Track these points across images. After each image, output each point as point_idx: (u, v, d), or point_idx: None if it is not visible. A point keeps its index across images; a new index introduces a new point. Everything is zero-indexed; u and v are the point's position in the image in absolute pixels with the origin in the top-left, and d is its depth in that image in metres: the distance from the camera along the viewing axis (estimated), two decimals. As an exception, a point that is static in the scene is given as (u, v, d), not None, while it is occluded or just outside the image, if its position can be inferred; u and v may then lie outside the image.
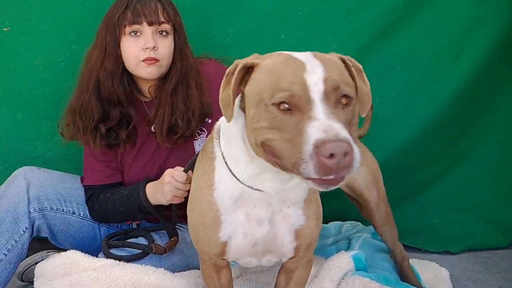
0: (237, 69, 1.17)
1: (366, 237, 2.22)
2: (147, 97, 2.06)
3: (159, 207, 1.94)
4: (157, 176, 1.99)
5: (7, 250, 1.82)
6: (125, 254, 1.88)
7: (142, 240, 1.96)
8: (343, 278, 1.78)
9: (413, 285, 1.91)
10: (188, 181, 1.77)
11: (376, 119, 2.38)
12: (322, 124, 1.00)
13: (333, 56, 1.18)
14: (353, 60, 1.22)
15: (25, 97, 2.35)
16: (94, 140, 1.96)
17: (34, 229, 1.91)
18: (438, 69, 2.45)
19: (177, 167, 1.84)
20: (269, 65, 1.14)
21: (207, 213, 1.35)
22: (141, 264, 1.79)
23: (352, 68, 1.17)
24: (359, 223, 2.51)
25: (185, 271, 1.91)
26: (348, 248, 2.15)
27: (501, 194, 2.59)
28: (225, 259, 1.43)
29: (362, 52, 2.41)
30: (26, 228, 1.86)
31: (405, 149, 2.52)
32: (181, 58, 1.98)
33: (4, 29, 2.29)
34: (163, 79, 1.97)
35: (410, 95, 2.48)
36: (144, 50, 1.88)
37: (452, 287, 2.04)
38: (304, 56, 1.13)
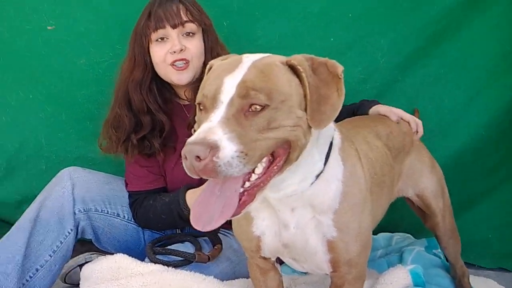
0: (206, 70, 1.27)
1: (419, 251, 2.13)
2: (186, 100, 2.03)
3: None
4: (200, 181, 1.94)
5: (53, 252, 1.81)
6: (172, 260, 1.82)
7: (188, 245, 1.91)
8: (400, 294, 1.69)
9: (472, 303, 1.82)
10: None
11: (428, 126, 2.29)
12: (202, 127, 1.05)
13: (280, 62, 1.15)
14: (329, 63, 1.16)
15: (69, 97, 2.35)
16: (126, 151, 1.97)
17: (79, 230, 1.90)
18: (494, 76, 2.33)
19: None
20: (214, 67, 1.23)
21: None
22: (190, 271, 1.73)
23: (303, 74, 1.12)
24: (410, 235, 2.42)
25: (233, 279, 1.85)
26: (400, 261, 2.06)
27: (559, 210, 2.44)
28: (265, 258, 1.44)
29: (415, 57, 2.34)
30: (71, 229, 1.85)
31: (459, 159, 2.41)
32: (213, 58, 1.94)
33: (49, 27, 2.29)
34: (198, 81, 1.93)
35: (464, 103, 2.37)
36: (172, 54, 1.87)
37: (511, 307, 1.92)
38: (248, 60, 1.15)
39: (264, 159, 1.10)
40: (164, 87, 2.01)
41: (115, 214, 1.99)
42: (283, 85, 1.10)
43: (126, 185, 2.06)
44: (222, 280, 1.75)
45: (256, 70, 1.11)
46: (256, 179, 1.11)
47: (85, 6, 2.25)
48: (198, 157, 1.00)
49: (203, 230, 1.08)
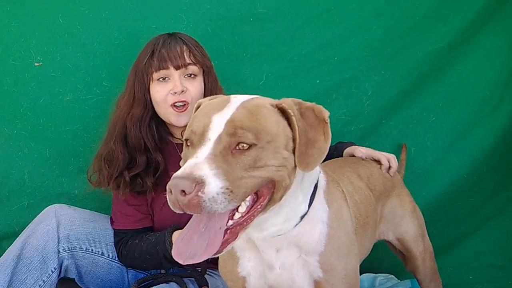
0: (194, 109, 1.30)
1: (403, 292, 2.13)
2: (179, 139, 2.03)
3: None
4: (187, 223, 1.93)
5: None
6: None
7: (174, 286, 1.88)
8: (387, 337, 1.69)
9: None
10: None
11: (411, 168, 2.35)
12: (188, 162, 1.06)
13: (269, 104, 1.18)
14: (316, 108, 1.21)
15: (54, 133, 2.32)
16: (118, 188, 1.94)
17: (62, 269, 1.87)
18: (476, 120, 2.42)
19: None
20: (202, 105, 1.25)
21: None
22: (176, 313, 1.69)
23: (293, 118, 1.16)
24: (393, 276, 2.43)
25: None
26: (384, 303, 2.06)
27: (540, 252, 2.49)
28: None
29: (398, 100, 2.41)
30: (54, 268, 1.82)
31: (441, 201, 2.46)
32: None
33: (36, 64, 2.28)
34: None
35: (447, 145, 2.44)
36: (173, 94, 1.87)
37: None
38: (237, 100, 1.18)
39: (248, 198, 1.11)
40: (160, 125, 2.00)
41: (100, 253, 1.96)
42: (271, 126, 1.13)
43: (112, 222, 2.03)
44: (209, 322, 1.72)
45: (245, 110, 1.13)
46: (239, 218, 1.12)
47: (73, 43, 2.25)
48: (183, 191, 1.00)
49: (184, 263, 1.08)
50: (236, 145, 1.09)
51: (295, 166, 1.17)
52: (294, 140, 1.16)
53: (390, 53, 2.35)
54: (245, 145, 1.08)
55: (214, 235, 1.09)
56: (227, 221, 1.11)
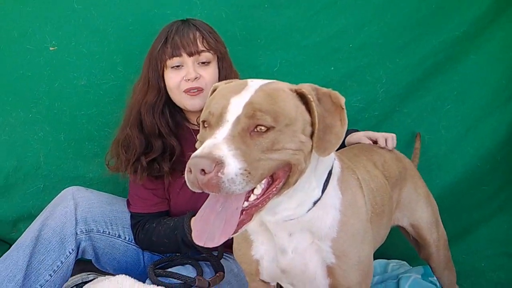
0: (210, 92, 1.31)
1: (416, 278, 2.15)
2: (196, 125, 2.04)
3: None
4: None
5: (53, 271, 1.79)
6: (173, 283, 1.80)
7: (190, 268, 1.89)
8: (401, 321, 1.70)
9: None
10: None
11: (425, 156, 2.35)
12: (207, 142, 1.06)
13: (288, 89, 1.19)
14: (333, 94, 1.21)
15: (68, 117, 2.34)
16: (135, 173, 1.96)
17: (80, 250, 1.89)
18: (490, 109, 2.41)
19: None
20: (219, 88, 1.25)
21: None
22: (193, 294, 1.71)
23: (312, 103, 1.16)
24: (405, 262, 2.44)
25: (234, 303, 1.84)
26: (397, 288, 2.07)
27: (551, 241, 2.50)
28: (265, 282, 1.45)
29: (413, 88, 2.40)
30: (72, 250, 1.84)
31: (454, 189, 2.46)
32: None
33: (51, 48, 2.29)
34: None
35: (461, 134, 2.43)
36: (186, 81, 1.88)
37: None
38: (255, 84, 1.19)
39: (264, 181, 1.12)
40: (176, 111, 2.01)
41: (116, 235, 1.98)
42: (289, 110, 1.14)
43: (129, 205, 2.05)
44: (223, 304, 1.74)
45: (264, 94, 1.14)
46: (254, 200, 1.13)
47: (88, 28, 2.26)
48: (203, 170, 1.01)
49: (205, 246, 1.09)
50: (254, 127, 1.09)
51: (311, 151, 1.17)
52: (312, 125, 1.17)
53: (405, 41, 2.34)
54: (263, 127, 1.09)
55: (230, 215, 1.10)
56: (243, 203, 1.12)
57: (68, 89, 2.31)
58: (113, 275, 1.84)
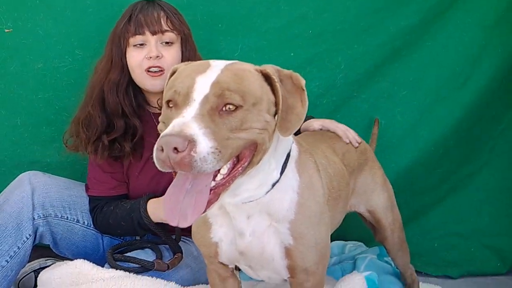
0: (169, 74, 1.29)
1: (372, 258, 2.21)
2: (156, 108, 2.03)
3: (161, 224, 1.90)
4: (164, 191, 1.94)
5: (9, 257, 1.76)
6: (132, 267, 1.81)
7: (149, 252, 1.90)
8: (356, 299, 1.75)
9: (421, 308, 1.90)
10: None
11: (380, 141, 2.41)
12: (177, 120, 1.06)
13: (253, 69, 1.20)
14: (294, 75, 1.23)
15: (25, 101, 2.29)
16: (96, 152, 1.94)
17: (37, 236, 1.86)
18: (445, 95, 2.48)
19: None
20: (182, 69, 1.23)
21: None
22: (152, 277, 1.72)
23: (277, 84, 1.18)
24: (362, 243, 2.51)
25: (193, 285, 1.85)
26: (353, 268, 2.13)
27: (500, 222, 2.62)
28: (224, 264, 1.47)
29: (370, 74, 2.45)
30: (29, 235, 1.81)
31: (409, 172, 2.53)
32: None
33: (6, 30, 2.23)
34: None
35: (415, 119, 2.50)
36: (148, 59, 1.87)
37: (456, 312, 2.02)
38: (219, 64, 1.19)
39: (229, 161, 1.13)
40: (138, 92, 2.00)
41: (75, 220, 1.96)
42: (256, 90, 1.15)
43: (87, 189, 2.03)
44: (183, 286, 1.75)
45: (230, 73, 1.14)
46: (221, 179, 1.13)
47: (45, 9, 2.20)
48: (175, 149, 1.00)
49: (179, 226, 1.09)
50: (223, 106, 1.10)
51: (274, 131, 1.20)
52: (275, 105, 1.19)
53: (364, 28, 2.38)
54: (231, 106, 1.10)
55: (200, 193, 1.10)
56: (210, 181, 1.12)
57: (24, 73, 2.26)
58: (72, 260, 1.84)
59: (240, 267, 1.49)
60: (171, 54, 1.92)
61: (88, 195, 2.02)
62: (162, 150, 1.02)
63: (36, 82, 2.27)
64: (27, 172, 1.94)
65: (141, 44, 1.89)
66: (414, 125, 2.50)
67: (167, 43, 1.92)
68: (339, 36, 2.38)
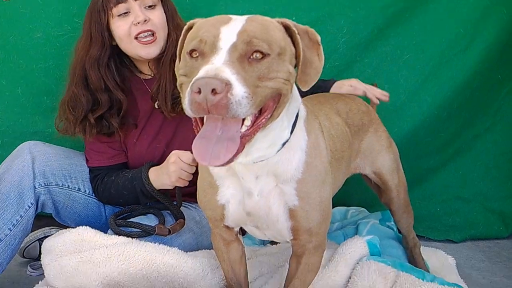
0: (184, 30, 1.27)
1: (374, 223, 2.22)
2: (148, 75, 2.03)
3: (163, 191, 1.91)
4: (162, 156, 1.96)
5: (12, 225, 1.77)
6: (134, 232, 1.83)
7: (152, 217, 1.92)
8: (357, 263, 1.77)
9: (422, 271, 1.92)
10: (194, 163, 1.78)
11: (384, 105, 2.37)
12: (209, 66, 1.05)
13: (275, 21, 1.21)
14: (309, 31, 1.25)
15: (25, 71, 2.28)
16: (84, 131, 1.95)
17: (39, 204, 1.87)
18: (448, 58, 2.44)
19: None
20: (202, 21, 1.21)
21: (206, 177, 1.42)
22: (155, 243, 1.74)
23: (298, 36, 1.19)
24: (364, 209, 2.52)
25: (196, 250, 1.87)
26: (355, 233, 2.14)
27: (504, 185, 2.61)
28: (229, 228, 1.47)
29: (373, 38, 2.41)
30: (31, 203, 1.82)
31: (412, 136, 2.52)
32: (175, 28, 1.96)
33: (4, 0, 2.20)
34: (161, 53, 1.95)
35: (419, 82, 2.47)
36: (136, 25, 1.86)
37: (458, 275, 2.04)
38: (240, 17, 1.18)
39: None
40: (122, 65, 1.99)
41: (76, 189, 1.97)
42: (280, 40, 1.15)
43: (87, 161, 2.04)
44: (186, 251, 1.76)
45: (255, 23, 1.14)
46: (245, 130, 1.13)
47: (43, -22, 2.18)
48: (213, 90, 0.99)
49: (210, 165, 1.08)
50: (251, 54, 1.09)
51: (293, 84, 1.21)
52: (296, 57, 1.20)
53: (366, -10, 2.33)
54: (259, 54, 1.09)
55: (232, 136, 1.10)
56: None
57: (24, 42, 2.25)
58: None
59: (246, 229, 1.50)
60: (157, 16, 1.91)
61: (88, 166, 2.03)
62: (199, 92, 1.01)
63: (36, 51, 2.26)
64: (27, 142, 1.94)
65: (125, 13, 1.87)
66: (418, 88, 2.48)
67: (150, 6, 1.90)
68: (341, -1, 2.34)
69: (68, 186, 1.94)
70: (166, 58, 1.93)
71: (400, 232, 2.10)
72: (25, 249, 2.09)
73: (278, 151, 1.28)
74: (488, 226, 2.55)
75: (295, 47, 1.20)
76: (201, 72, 1.04)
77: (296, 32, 1.19)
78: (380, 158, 1.91)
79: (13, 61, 2.26)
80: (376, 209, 2.43)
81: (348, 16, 2.36)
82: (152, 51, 1.89)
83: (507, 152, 2.59)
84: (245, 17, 1.17)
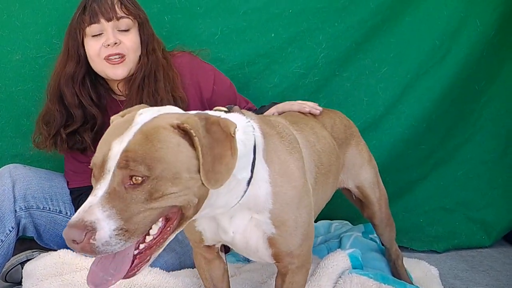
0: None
1: (357, 236, 2.23)
2: (122, 96, 2.03)
3: None
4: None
5: None
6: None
7: (133, 240, 1.90)
8: (340, 277, 1.77)
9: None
10: None
11: (363, 118, 2.42)
12: (84, 205, 1.03)
13: (169, 125, 1.10)
14: (222, 122, 1.14)
15: (4, 94, 2.27)
16: (55, 145, 1.95)
17: (20, 228, 1.86)
18: (426, 70, 2.48)
19: None
20: (110, 126, 1.20)
21: None
22: (136, 264, 1.72)
23: (195, 139, 1.09)
24: (347, 222, 2.53)
25: (179, 269, 1.86)
26: (339, 247, 2.15)
27: (485, 195, 2.64)
28: (209, 246, 1.46)
29: (352, 51, 2.44)
30: (12, 227, 1.81)
31: (392, 149, 2.54)
32: (148, 53, 1.98)
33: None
34: (132, 75, 1.96)
35: (397, 95, 2.50)
36: (106, 47, 1.87)
37: (442, 286, 2.05)
38: (139, 121, 1.12)
39: (160, 219, 1.10)
40: (98, 83, 2.00)
41: (57, 211, 1.96)
42: (167, 152, 1.07)
43: (67, 183, 2.04)
44: (168, 271, 1.75)
45: (141, 137, 1.08)
46: (150, 241, 1.11)
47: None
48: (74, 240, 0.99)
49: None
50: (129, 179, 1.04)
51: (201, 185, 1.12)
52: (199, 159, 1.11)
53: (344, 4, 2.36)
54: (138, 178, 1.04)
55: (121, 262, 1.09)
56: (138, 246, 1.10)
57: (2, 64, 2.24)
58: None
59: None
60: (130, 40, 1.91)
61: (69, 188, 2.03)
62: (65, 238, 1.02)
63: (15, 73, 2.25)
64: (8, 165, 1.94)
65: (99, 34, 1.88)
66: (396, 101, 2.50)
67: (123, 30, 1.91)
68: (320, 14, 2.37)
69: (49, 208, 1.93)
70: (134, 82, 1.94)
71: (382, 244, 2.11)
72: (7, 273, 2.05)
73: (246, 191, 1.25)
74: (471, 235, 2.58)
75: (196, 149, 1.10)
76: (74, 216, 1.02)
77: (194, 135, 1.08)
78: (363, 172, 1.93)
79: (-8, 84, 2.24)
80: (360, 222, 2.44)
81: (326, 31, 2.39)
82: (119, 72, 1.90)
83: (487, 161, 2.62)
84: (142, 122, 1.11)
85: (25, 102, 2.27)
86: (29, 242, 2.15)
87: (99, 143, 1.14)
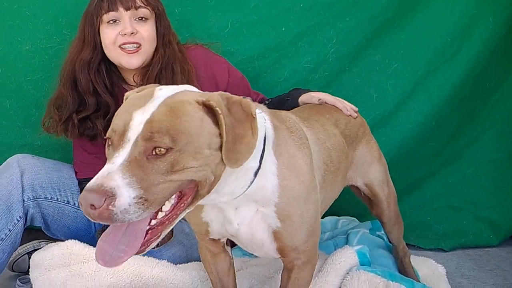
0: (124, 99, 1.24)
1: (364, 233, 2.22)
2: (133, 86, 2.02)
3: None
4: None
5: (1, 240, 1.76)
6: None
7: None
8: (347, 273, 1.77)
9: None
10: None
11: (373, 115, 2.40)
12: (102, 170, 1.03)
13: (194, 101, 1.12)
14: (243, 102, 1.15)
15: (14, 84, 2.27)
16: (66, 130, 1.94)
17: (28, 218, 1.86)
18: (436, 67, 2.46)
19: None
20: (128, 98, 1.20)
21: None
22: (143, 256, 1.72)
23: (221, 116, 1.10)
24: (355, 218, 2.52)
25: (186, 262, 1.86)
26: (346, 243, 2.14)
27: (493, 193, 2.62)
28: (215, 240, 1.47)
29: (362, 47, 2.43)
30: (20, 217, 1.81)
31: (401, 146, 2.53)
32: (164, 45, 1.97)
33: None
34: (147, 66, 1.95)
35: (407, 91, 2.49)
36: (122, 36, 1.86)
37: (449, 284, 2.04)
38: (161, 94, 1.13)
39: (173, 196, 1.10)
40: (112, 70, 1.98)
41: (65, 202, 1.96)
42: (191, 126, 1.08)
43: (76, 173, 2.03)
44: (175, 264, 1.76)
45: (166, 109, 1.08)
46: (162, 217, 1.11)
47: (31, -11, 2.16)
48: (92, 205, 0.98)
49: (106, 267, 1.08)
50: (152, 150, 1.04)
51: (222, 162, 1.13)
52: (221, 136, 1.12)
53: (354, 1, 2.35)
54: (162, 149, 1.04)
55: (134, 236, 1.09)
56: (150, 221, 1.10)
57: (12, 54, 2.24)
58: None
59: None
60: (146, 30, 1.90)
61: (77, 179, 2.02)
62: (81, 204, 1.00)
63: (24, 63, 2.25)
64: (16, 155, 1.93)
65: (115, 21, 1.87)
66: (406, 97, 2.49)
67: (141, 18, 1.89)
68: (331, 9, 2.36)
69: (57, 199, 1.93)
70: (151, 73, 1.93)
71: (390, 241, 2.10)
72: (14, 263, 2.08)
73: (252, 181, 1.25)
74: (478, 234, 2.56)
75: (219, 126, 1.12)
76: (92, 180, 1.02)
77: (219, 112, 1.10)
78: (372, 170, 1.92)
79: (2, 74, 2.24)
80: (367, 218, 2.43)
81: (337, 26, 2.38)
82: (133, 61, 1.88)
83: (496, 160, 2.61)
84: (164, 95, 1.12)
85: (35, 92, 2.28)
86: (36, 232, 2.15)
87: (117, 112, 1.14)
